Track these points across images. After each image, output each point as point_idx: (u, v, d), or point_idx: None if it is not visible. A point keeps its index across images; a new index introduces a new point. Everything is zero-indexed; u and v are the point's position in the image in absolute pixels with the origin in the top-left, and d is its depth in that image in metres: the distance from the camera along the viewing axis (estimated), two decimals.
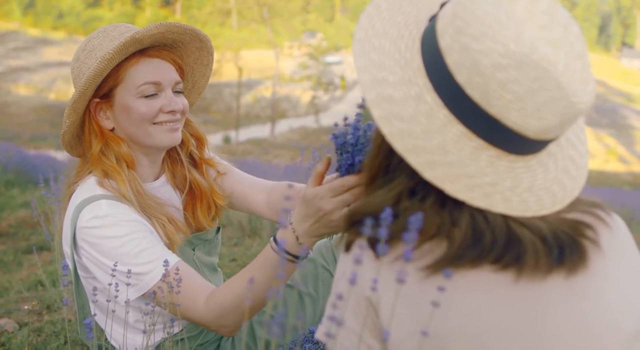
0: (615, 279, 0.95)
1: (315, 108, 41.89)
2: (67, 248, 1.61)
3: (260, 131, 34.45)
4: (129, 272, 1.45)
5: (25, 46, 64.64)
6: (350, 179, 1.31)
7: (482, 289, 0.91)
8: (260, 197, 1.89)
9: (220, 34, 73.14)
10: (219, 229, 1.92)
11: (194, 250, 1.78)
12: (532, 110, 0.87)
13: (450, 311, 0.90)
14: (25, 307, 2.81)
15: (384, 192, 0.98)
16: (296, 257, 1.40)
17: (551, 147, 0.98)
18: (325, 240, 1.92)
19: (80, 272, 1.62)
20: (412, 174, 0.94)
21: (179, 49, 1.72)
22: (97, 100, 1.62)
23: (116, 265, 1.45)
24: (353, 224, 1.01)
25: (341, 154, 1.33)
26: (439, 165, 0.91)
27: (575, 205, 0.98)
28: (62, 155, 9.88)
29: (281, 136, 33.04)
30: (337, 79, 54.14)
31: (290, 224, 1.39)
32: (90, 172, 1.64)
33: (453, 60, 0.90)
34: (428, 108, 0.93)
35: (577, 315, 0.91)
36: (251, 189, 1.92)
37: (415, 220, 0.86)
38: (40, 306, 2.84)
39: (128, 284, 1.46)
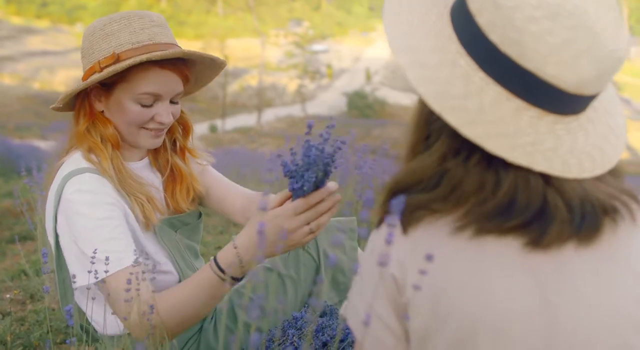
0: (616, 271, 0.93)
1: (301, 97, 41.73)
2: (50, 222, 1.62)
3: (246, 120, 34.30)
4: (94, 253, 1.46)
5: (9, 35, 63.92)
6: (314, 197, 1.38)
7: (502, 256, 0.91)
8: (239, 202, 1.90)
9: (206, 22, 72.81)
10: (200, 215, 1.93)
11: (176, 232, 1.80)
12: (569, 60, 0.87)
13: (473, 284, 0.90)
14: (8, 296, 2.78)
15: (427, 156, 0.97)
16: (235, 279, 1.46)
17: (590, 113, 0.97)
18: None
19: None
20: (454, 134, 0.93)
21: (193, 61, 1.71)
22: (97, 85, 1.64)
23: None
24: (396, 194, 0.98)
25: (291, 177, 1.37)
26: (478, 123, 0.90)
27: (615, 187, 0.97)
28: (46, 145, 9.80)
29: (268, 125, 32.92)
30: (323, 67, 53.96)
31: (235, 248, 1.42)
32: (76, 148, 1.67)
33: (485, 20, 0.90)
34: (463, 72, 0.93)
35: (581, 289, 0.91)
36: (229, 191, 1.94)
37: (397, 203, 0.86)
38: (24, 295, 2.82)
39: (90, 269, 1.47)
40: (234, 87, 47.76)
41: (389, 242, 0.84)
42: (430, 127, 0.99)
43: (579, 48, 0.86)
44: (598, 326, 0.89)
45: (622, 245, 0.94)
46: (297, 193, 1.38)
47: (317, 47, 62.94)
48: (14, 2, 76.57)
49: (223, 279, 1.45)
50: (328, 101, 44.01)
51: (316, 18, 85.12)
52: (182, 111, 1.81)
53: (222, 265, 1.45)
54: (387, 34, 0.98)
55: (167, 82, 1.62)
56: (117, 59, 1.57)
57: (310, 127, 1.34)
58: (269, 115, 37.01)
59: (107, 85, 1.63)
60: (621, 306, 0.90)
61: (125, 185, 1.64)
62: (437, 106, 0.91)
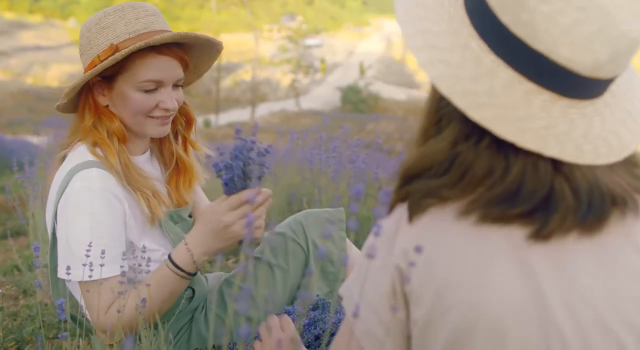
0: (617, 269, 0.91)
1: (295, 91, 41.70)
2: (50, 211, 1.65)
3: (240, 115, 34.30)
4: (88, 249, 1.50)
5: (1, 30, 63.61)
6: (246, 193, 1.53)
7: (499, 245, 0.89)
8: None
9: (200, 17, 72.62)
10: (190, 215, 1.95)
11: (176, 224, 1.82)
12: (582, 42, 0.84)
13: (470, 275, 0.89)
14: (0, 291, 2.78)
15: (438, 140, 0.95)
16: (190, 274, 1.60)
17: (607, 97, 0.94)
18: (294, 214, 2.00)
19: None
20: (465, 118, 0.91)
21: (190, 45, 1.72)
22: (98, 79, 1.65)
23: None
24: (408, 179, 0.97)
25: (221, 173, 1.53)
26: (488, 106, 0.88)
27: (629, 177, 0.94)
28: (39, 140, 9.77)
29: (261, 119, 32.86)
30: (317, 62, 53.91)
31: (186, 244, 1.58)
32: (80, 140, 1.68)
33: (496, 1, 0.88)
34: (475, 54, 0.91)
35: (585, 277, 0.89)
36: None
37: (385, 194, 0.86)
38: (16, 290, 2.82)
39: (85, 264, 1.52)
40: (227, 81, 47.70)
41: (376, 234, 0.84)
42: (441, 111, 0.97)
43: (590, 29, 0.83)
44: (594, 326, 0.87)
45: (626, 241, 0.91)
46: (229, 188, 1.54)
47: (310, 41, 62.85)
48: None
49: (179, 275, 1.60)
50: (322, 96, 44.00)
51: (310, 12, 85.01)
52: (185, 103, 1.82)
53: (177, 262, 1.60)
54: (398, 18, 0.96)
55: (167, 67, 1.64)
56: (115, 49, 1.58)
57: (238, 131, 1.50)
58: (263, 109, 37.01)
59: (109, 78, 1.64)
60: (619, 307, 0.88)
61: (131, 180, 1.65)
62: (446, 89, 0.89)
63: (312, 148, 3.74)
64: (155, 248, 1.70)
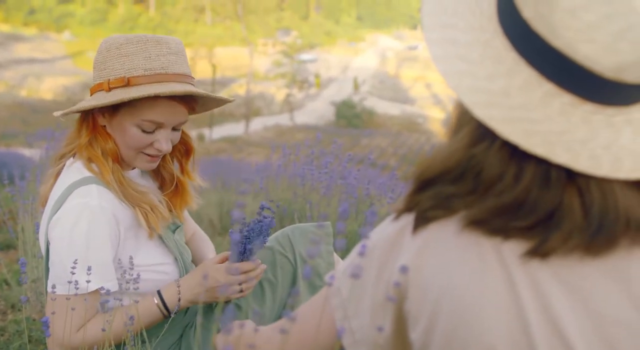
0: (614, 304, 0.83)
1: (289, 106, 41.77)
2: (44, 226, 1.65)
3: (234, 129, 34.30)
4: (74, 267, 1.50)
5: None
6: (246, 264, 1.69)
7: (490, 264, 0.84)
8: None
9: (194, 31, 72.70)
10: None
11: (173, 233, 1.83)
12: (604, 40, 0.78)
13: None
14: None
15: (454, 142, 0.90)
16: (170, 312, 1.67)
17: None
18: (282, 229, 2.03)
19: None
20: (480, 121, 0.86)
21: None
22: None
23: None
24: (422, 185, 0.91)
25: (235, 245, 1.56)
26: (497, 106, 0.82)
27: None
28: (31, 153, 9.73)
29: (255, 134, 32.90)
30: (311, 76, 54.04)
31: (178, 286, 1.66)
32: (74, 156, 1.70)
33: None
34: (496, 52, 0.85)
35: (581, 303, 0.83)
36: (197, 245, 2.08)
37: (371, 213, 0.86)
38: (5, 305, 2.80)
39: (70, 281, 1.51)
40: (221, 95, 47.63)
41: (362, 254, 0.83)
42: (461, 109, 0.91)
43: (616, 27, 0.77)
44: None
45: (630, 266, 0.83)
46: (236, 256, 1.70)
47: (305, 56, 63.06)
48: (1, 9, 76.28)
49: (161, 310, 1.67)
50: (316, 110, 44.05)
51: (305, 27, 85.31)
52: (185, 133, 1.82)
53: (165, 298, 1.66)
54: (422, 14, 0.92)
55: (173, 112, 1.64)
56: (126, 83, 1.58)
57: (263, 208, 1.74)
58: (257, 124, 37.03)
59: (114, 105, 1.63)
60: (612, 342, 0.81)
61: (127, 196, 1.66)
62: (454, 85, 0.84)
63: (305, 163, 3.74)
64: (152, 262, 1.71)
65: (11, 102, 38.10)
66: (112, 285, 1.59)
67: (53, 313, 1.52)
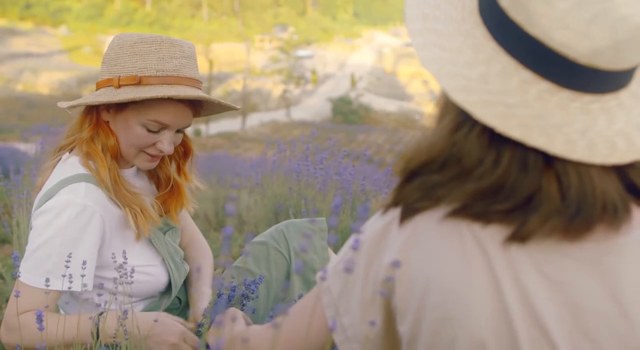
0: (592, 290, 0.84)
1: (286, 102, 41.72)
2: (33, 217, 1.65)
3: (230, 125, 34.22)
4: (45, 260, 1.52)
5: None
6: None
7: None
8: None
9: (191, 27, 72.65)
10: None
11: (164, 234, 1.82)
12: (578, 26, 0.79)
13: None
14: None
15: (436, 131, 0.92)
16: (97, 338, 1.54)
17: (625, 98, 0.87)
18: (276, 225, 2.02)
19: None
20: (462, 109, 0.87)
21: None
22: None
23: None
24: (409, 176, 0.92)
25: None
26: (475, 91, 0.84)
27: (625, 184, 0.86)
28: (26, 147, 9.71)
29: (252, 130, 32.85)
30: (308, 73, 53.99)
31: (125, 318, 1.48)
32: (72, 150, 1.69)
33: None
34: (476, 41, 0.88)
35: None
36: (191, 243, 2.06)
37: (363, 209, 0.86)
38: (0, 299, 2.79)
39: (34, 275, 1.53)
40: (218, 91, 47.65)
41: (354, 248, 0.83)
42: (445, 98, 0.92)
43: (589, 13, 0.78)
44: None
45: (608, 257, 0.84)
46: (200, 329, 1.64)
47: (302, 52, 62.98)
48: None
49: (92, 332, 1.53)
50: (312, 107, 44.01)
51: (301, 24, 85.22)
52: (186, 135, 1.83)
53: (100, 323, 1.52)
54: (405, 5, 0.94)
55: (181, 115, 1.65)
56: (138, 81, 1.59)
57: (261, 279, 1.75)
58: (253, 120, 36.96)
59: (119, 103, 1.63)
60: (590, 332, 0.83)
61: (119, 196, 1.66)
62: (434, 70, 0.86)
63: (300, 159, 3.73)
64: (137, 263, 1.69)
65: (7, 96, 38.01)
66: (75, 285, 1.55)
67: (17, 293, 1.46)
